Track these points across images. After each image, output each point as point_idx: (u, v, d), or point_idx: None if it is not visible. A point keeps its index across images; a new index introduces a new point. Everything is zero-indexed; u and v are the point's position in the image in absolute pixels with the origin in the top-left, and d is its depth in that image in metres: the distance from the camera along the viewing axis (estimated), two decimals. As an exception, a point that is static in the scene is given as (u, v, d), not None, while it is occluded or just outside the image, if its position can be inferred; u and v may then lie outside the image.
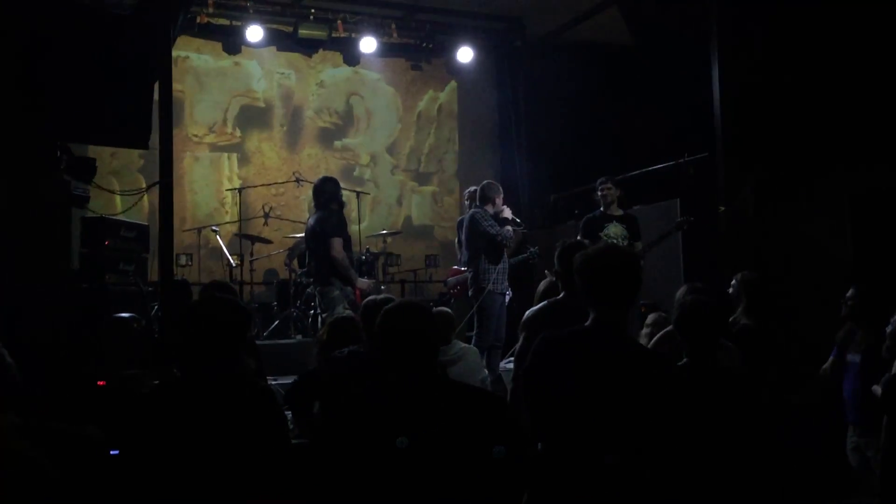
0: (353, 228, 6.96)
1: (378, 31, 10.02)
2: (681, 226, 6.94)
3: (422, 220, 10.97)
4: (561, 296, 3.98)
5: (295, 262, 8.67)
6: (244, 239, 8.90)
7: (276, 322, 8.34)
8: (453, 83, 11.27)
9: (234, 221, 9.37)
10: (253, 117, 10.31)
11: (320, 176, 7.11)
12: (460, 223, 7.31)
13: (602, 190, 7.04)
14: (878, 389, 4.04)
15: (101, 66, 5.15)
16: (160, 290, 6.07)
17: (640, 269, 2.85)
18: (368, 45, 9.95)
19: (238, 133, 10.22)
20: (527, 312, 4.07)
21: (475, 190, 7.24)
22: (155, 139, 5.51)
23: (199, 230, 9.16)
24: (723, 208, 7.14)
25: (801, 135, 6.83)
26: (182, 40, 9.52)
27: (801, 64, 6.80)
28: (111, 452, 2.62)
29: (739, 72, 7.18)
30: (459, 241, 7.30)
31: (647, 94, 8.45)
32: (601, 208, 7.04)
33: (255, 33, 9.50)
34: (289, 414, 3.96)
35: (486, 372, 5.65)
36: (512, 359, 4.88)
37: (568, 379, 2.64)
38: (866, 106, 6.38)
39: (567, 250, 3.83)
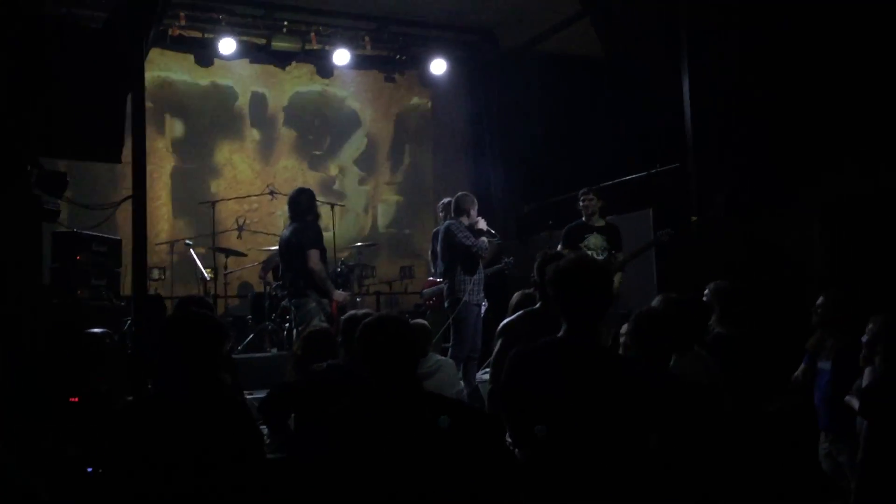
0: (327, 240, 6.93)
1: (351, 43, 10.04)
2: (662, 238, 7.00)
3: (393, 230, 11.01)
4: (538, 305, 4.01)
5: (270, 274, 8.62)
6: (218, 252, 8.84)
7: (251, 335, 8.28)
8: (426, 95, 11.31)
9: (207, 235, 9.30)
10: (224, 128, 10.23)
11: (297, 188, 7.07)
12: (435, 234, 7.32)
13: (583, 200, 7.10)
14: (852, 401, 4.08)
15: (72, 80, 5.10)
16: (134, 305, 6.01)
17: (610, 280, 2.91)
18: (342, 57, 9.96)
19: (208, 145, 10.16)
20: (504, 321, 4.10)
21: (449, 201, 7.26)
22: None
23: (172, 244, 9.09)
24: (695, 218, 7.22)
25: (770, 145, 6.92)
26: (155, 53, 9.48)
27: (771, 75, 6.91)
28: (87, 470, 2.60)
29: (710, 83, 7.27)
30: (434, 253, 7.31)
31: (619, 105, 8.53)
32: (583, 218, 7.10)
33: (227, 46, 9.46)
34: (264, 429, 3.94)
35: (463, 384, 5.66)
36: (488, 370, 4.90)
37: (544, 391, 2.67)
38: (835, 116, 6.49)
39: (546, 262, 3.87)
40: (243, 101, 10.33)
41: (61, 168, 6.10)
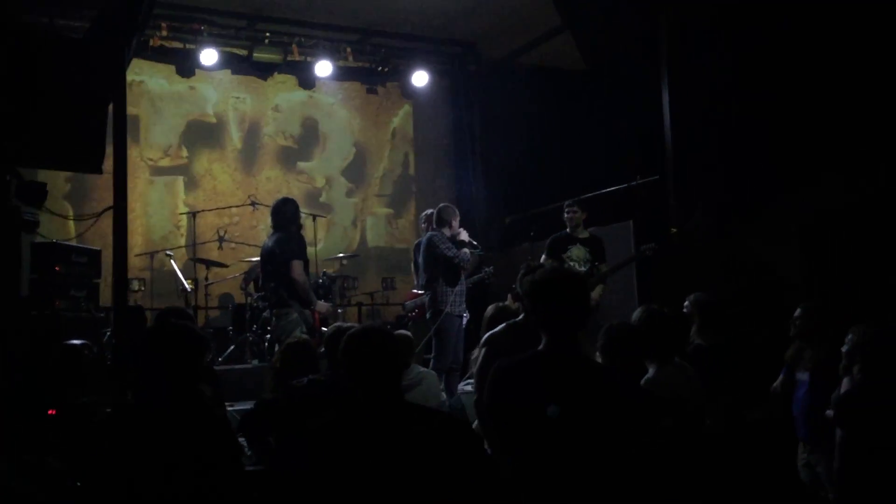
0: (310, 251, 6.91)
1: (333, 54, 10.04)
2: (646, 252, 7.04)
3: (377, 243, 10.92)
4: (521, 317, 4.03)
5: (251, 286, 8.58)
6: (199, 263, 8.79)
7: (232, 347, 8.23)
8: (409, 106, 11.30)
9: (187, 246, 9.25)
10: (202, 135, 10.04)
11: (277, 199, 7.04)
12: (417, 246, 7.33)
13: (568, 212, 7.16)
14: (831, 414, 4.12)
15: (53, 89, 5.07)
16: (114, 317, 5.97)
17: (587, 290, 2.90)
18: (324, 68, 9.96)
19: (185, 153, 9.94)
20: (488, 332, 4.11)
21: (432, 213, 7.28)
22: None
23: (152, 255, 9.03)
24: (674, 229, 7.28)
25: (749, 157, 7.00)
26: (136, 63, 9.39)
27: (751, 88, 6.99)
28: (74, 484, 2.58)
29: (689, 96, 7.35)
30: (416, 264, 7.32)
31: (600, 117, 8.60)
32: (567, 230, 7.15)
33: (209, 56, 9.44)
34: (244, 441, 3.91)
35: (445, 395, 5.66)
36: (471, 381, 4.91)
37: (528, 404, 2.67)
38: (814, 128, 6.58)
39: (528, 273, 3.90)
40: (224, 108, 10.18)
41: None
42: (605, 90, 8.60)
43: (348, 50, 10.11)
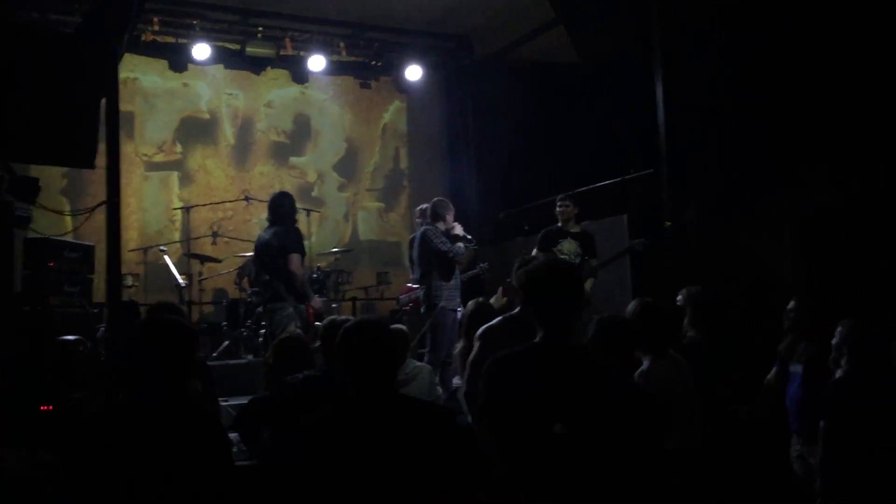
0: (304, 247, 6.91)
1: (326, 49, 10.02)
2: (636, 247, 7.06)
3: (368, 236, 10.95)
4: (517, 310, 4.03)
5: (245, 281, 8.58)
6: (192, 258, 8.77)
7: (226, 342, 8.23)
8: (402, 101, 11.30)
9: (181, 241, 9.24)
10: (196, 131, 10.08)
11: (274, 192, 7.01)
12: (412, 241, 7.33)
13: (560, 206, 7.16)
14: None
15: (45, 84, 5.05)
16: (108, 312, 5.96)
17: (580, 281, 2.88)
18: (317, 63, 9.94)
19: (179, 149, 9.98)
20: (483, 326, 4.11)
21: (426, 207, 7.28)
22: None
23: (146, 250, 9.01)
24: (668, 224, 7.29)
25: (743, 152, 7.01)
26: (128, 58, 9.38)
27: (745, 83, 7.00)
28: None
29: (683, 90, 7.35)
30: (411, 259, 7.32)
31: (594, 111, 8.60)
32: (559, 223, 7.16)
33: (201, 51, 9.41)
34: (235, 436, 3.90)
35: (440, 389, 5.67)
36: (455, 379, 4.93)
37: (524, 397, 2.64)
38: (808, 125, 6.59)
39: (521, 268, 3.89)
40: (217, 104, 10.20)
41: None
42: (599, 84, 8.60)
43: (341, 44, 10.09)
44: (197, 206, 9.43)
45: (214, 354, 8.08)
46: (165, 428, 2.64)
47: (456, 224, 6.97)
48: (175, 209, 9.75)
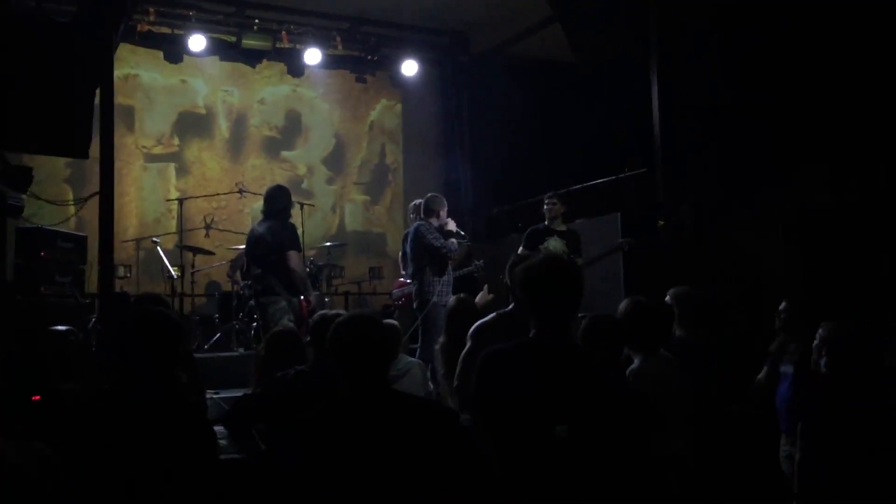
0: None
1: (323, 42, 10.00)
2: (622, 246, 7.07)
3: (354, 227, 11.07)
4: (510, 307, 4.04)
5: (238, 273, 8.57)
6: (185, 250, 8.76)
7: (218, 335, 8.22)
8: (398, 96, 11.32)
9: (175, 233, 9.23)
10: (193, 125, 10.24)
11: (266, 187, 7.00)
12: (405, 236, 7.33)
13: (548, 204, 7.16)
14: None
15: (39, 73, 5.04)
16: (100, 303, 5.95)
17: (580, 280, 2.81)
18: (313, 56, 9.92)
19: (176, 142, 10.16)
20: (476, 323, 4.12)
21: (420, 203, 7.28)
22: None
23: (139, 241, 9.00)
24: (662, 223, 7.31)
25: (738, 152, 7.03)
26: (129, 55, 9.59)
27: (740, 82, 7.02)
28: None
29: (679, 89, 7.37)
30: (404, 254, 7.32)
31: (589, 109, 8.62)
32: (545, 222, 7.16)
33: (197, 42, 9.38)
34: (221, 429, 3.88)
35: (432, 385, 5.67)
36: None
37: (518, 392, 2.63)
38: (804, 125, 6.61)
39: (516, 264, 3.89)
40: (213, 100, 10.31)
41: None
42: (595, 82, 8.62)
43: (337, 38, 10.06)
44: (191, 197, 9.48)
45: (206, 347, 8.07)
46: (149, 418, 2.63)
47: (449, 220, 6.98)
48: (169, 200, 9.79)
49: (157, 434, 2.61)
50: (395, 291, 8.02)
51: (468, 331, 4.16)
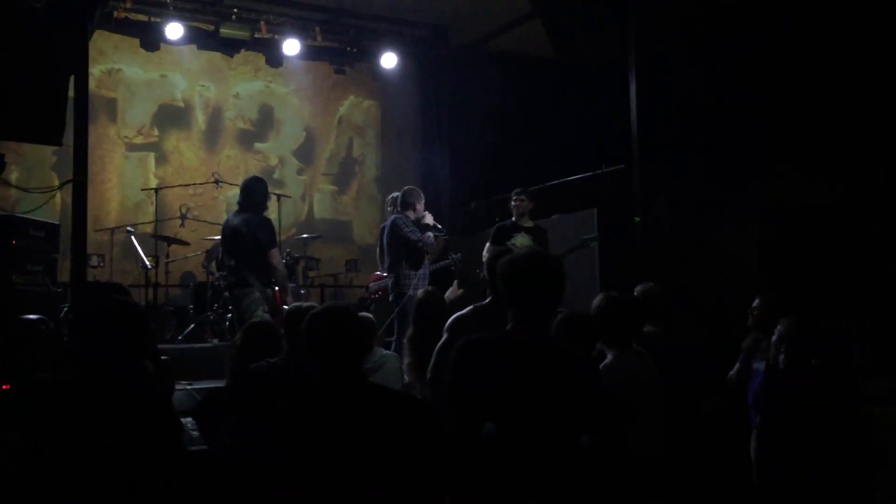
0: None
1: (302, 33, 9.94)
2: (587, 242, 7.09)
3: (322, 215, 11.16)
4: (487, 301, 4.04)
5: (213, 264, 8.50)
6: (160, 240, 8.69)
7: (192, 325, 8.16)
8: (376, 88, 11.30)
9: (150, 222, 9.17)
10: (172, 117, 10.35)
11: (242, 177, 6.97)
12: (382, 229, 7.32)
13: (515, 200, 7.19)
14: None
15: (11, 60, 4.97)
16: (71, 292, 5.88)
17: (563, 275, 2.81)
18: (292, 47, 9.86)
19: (156, 133, 10.27)
20: (453, 316, 4.11)
21: (397, 196, 7.26)
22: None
23: (113, 230, 8.91)
24: (638, 219, 7.35)
25: (715, 149, 7.08)
26: (111, 50, 9.68)
27: (718, 80, 7.06)
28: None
29: (657, 86, 7.41)
30: (381, 247, 7.31)
31: (568, 105, 8.64)
32: (513, 218, 7.18)
33: (174, 31, 9.29)
34: (190, 420, 3.85)
35: (408, 378, 5.67)
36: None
37: (493, 384, 2.62)
38: (780, 124, 6.67)
39: (496, 258, 3.89)
40: (191, 94, 10.47)
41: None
42: (574, 78, 8.64)
43: (317, 29, 10.01)
44: (167, 186, 9.53)
45: (180, 338, 8.01)
46: (113, 407, 2.61)
47: (426, 213, 6.97)
48: (144, 190, 9.75)
49: (122, 422, 2.58)
50: (371, 285, 8.01)
51: (436, 323, 4.16)
